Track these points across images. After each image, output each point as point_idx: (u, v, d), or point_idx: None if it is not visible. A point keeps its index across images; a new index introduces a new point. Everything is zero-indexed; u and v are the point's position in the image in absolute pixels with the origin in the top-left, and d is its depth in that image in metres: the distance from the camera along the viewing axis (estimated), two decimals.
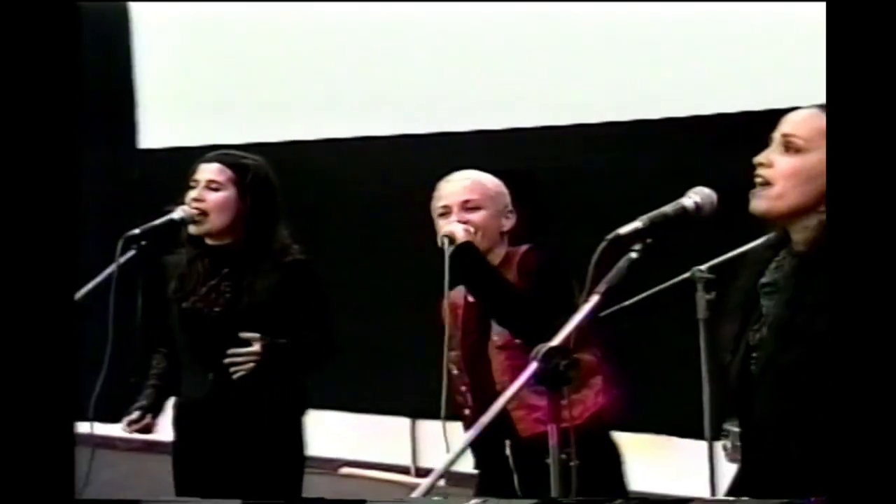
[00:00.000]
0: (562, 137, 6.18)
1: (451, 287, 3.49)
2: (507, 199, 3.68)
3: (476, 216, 3.56)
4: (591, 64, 6.26)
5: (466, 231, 3.47)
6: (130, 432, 3.99)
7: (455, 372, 3.64)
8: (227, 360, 3.83)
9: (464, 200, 3.58)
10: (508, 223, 3.64)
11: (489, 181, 3.68)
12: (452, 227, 3.47)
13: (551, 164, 6.04)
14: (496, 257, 3.60)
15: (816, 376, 2.50)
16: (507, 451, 3.42)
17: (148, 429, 4.01)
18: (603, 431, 3.50)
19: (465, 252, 3.43)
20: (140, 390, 4.06)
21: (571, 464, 3.14)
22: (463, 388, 3.63)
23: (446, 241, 3.47)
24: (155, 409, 4.03)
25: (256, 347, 3.81)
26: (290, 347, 3.89)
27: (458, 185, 3.63)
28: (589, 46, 6.28)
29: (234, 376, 3.82)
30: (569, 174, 5.94)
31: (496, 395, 3.21)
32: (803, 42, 5.69)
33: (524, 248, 3.62)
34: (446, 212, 3.59)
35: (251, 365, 3.81)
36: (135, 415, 3.97)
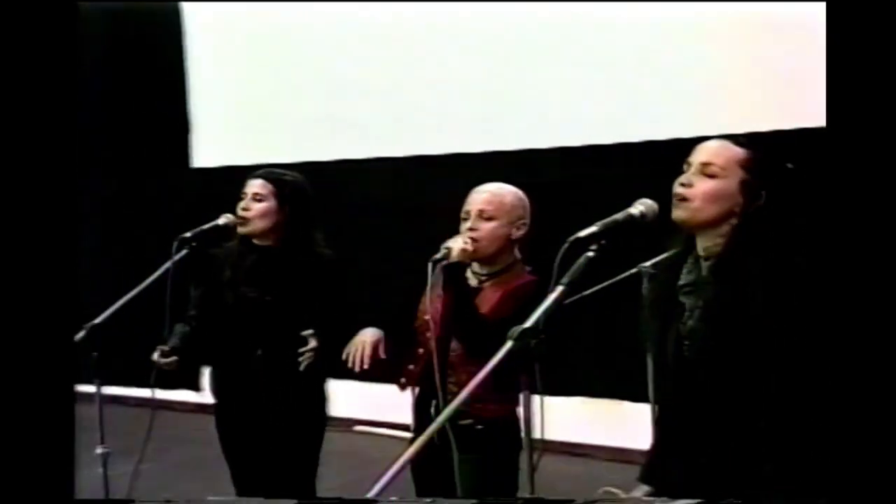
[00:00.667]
0: (549, 156, 6.38)
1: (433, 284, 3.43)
2: (523, 211, 3.61)
3: (487, 225, 3.53)
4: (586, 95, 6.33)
5: (462, 251, 3.45)
6: (159, 362, 3.92)
7: (426, 317, 3.56)
8: (300, 360, 3.90)
9: (480, 209, 3.55)
10: (518, 233, 3.58)
11: (509, 194, 3.62)
12: (453, 244, 3.45)
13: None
14: (502, 262, 3.58)
15: (745, 355, 2.61)
16: (433, 411, 3.47)
17: (172, 366, 3.96)
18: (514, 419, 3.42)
19: (453, 269, 3.44)
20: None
21: (478, 427, 3.38)
22: (427, 335, 3.56)
23: (445, 251, 3.44)
24: (181, 355, 3.99)
25: (314, 344, 3.89)
26: (329, 338, 3.93)
27: (480, 196, 3.60)
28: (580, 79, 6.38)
29: (301, 368, 3.89)
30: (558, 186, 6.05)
31: (445, 371, 3.47)
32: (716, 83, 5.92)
33: (531, 277, 3.54)
34: (466, 217, 3.57)
35: (313, 357, 3.90)
36: (169, 348, 3.95)
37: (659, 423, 2.97)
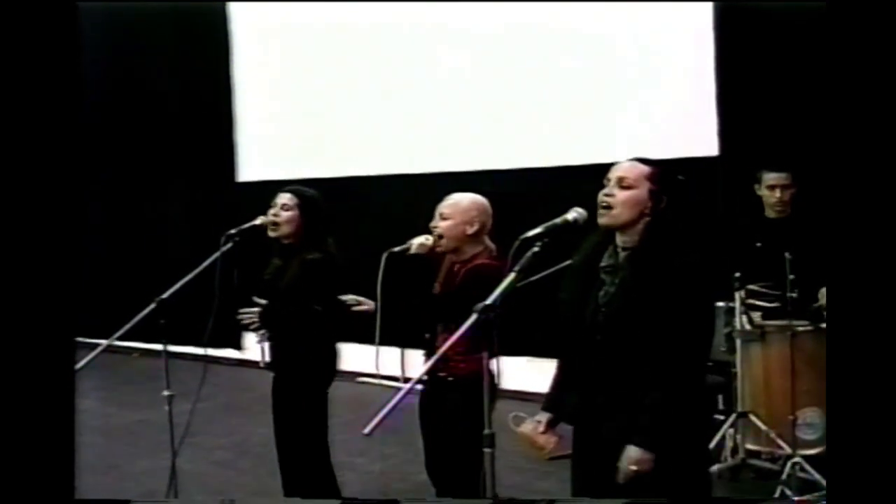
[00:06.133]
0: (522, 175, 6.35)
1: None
2: (476, 213, 3.54)
3: (444, 223, 3.52)
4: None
5: (420, 245, 3.49)
6: (244, 319, 3.97)
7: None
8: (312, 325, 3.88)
9: (441, 212, 3.54)
10: (472, 229, 3.51)
11: (465, 200, 3.56)
12: (415, 240, 3.49)
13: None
14: (466, 252, 3.54)
15: (646, 318, 2.63)
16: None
17: (247, 326, 4.02)
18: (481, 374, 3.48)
19: (415, 258, 3.47)
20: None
21: (450, 379, 3.34)
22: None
23: (407, 245, 3.50)
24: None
25: (257, 310, 3.87)
26: (331, 312, 3.90)
27: (444, 202, 3.57)
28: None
29: (314, 330, 3.90)
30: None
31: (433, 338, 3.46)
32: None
33: (480, 261, 3.50)
34: (434, 216, 3.55)
35: (319, 323, 3.89)
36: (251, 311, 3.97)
37: (561, 368, 2.95)
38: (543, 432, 2.87)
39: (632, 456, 2.62)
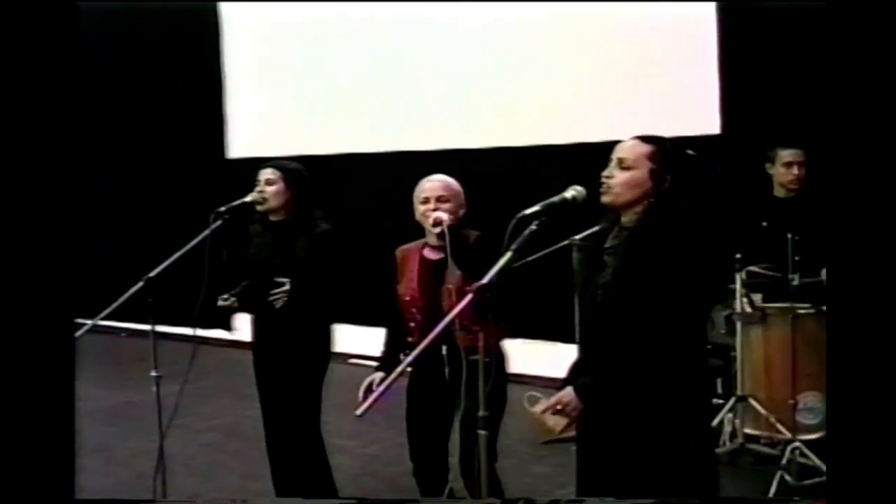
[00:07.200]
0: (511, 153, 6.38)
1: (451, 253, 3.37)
2: (463, 196, 3.57)
3: (446, 206, 3.48)
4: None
5: (450, 217, 3.43)
6: (221, 304, 3.98)
7: (407, 299, 3.56)
8: (269, 298, 3.86)
9: (439, 195, 3.50)
10: (462, 212, 3.53)
11: (453, 183, 3.57)
12: (441, 215, 3.42)
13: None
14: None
15: (638, 302, 2.62)
16: (444, 353, 3.40)
17: (232, 308, 4.03)
18: (500, 346, 3.48)
19: (453, 231, 3.38)
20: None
21: (486, 360, 3.27)
22: (413, 310, 3.54)
23: (437, 222, 3.41)
24: (239, 299, 4.03)
25: (287, 287, 3.84)
26: (310, 287, 3.88)
27: (436, 184, 3.53)
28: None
29: (276, 306, 3.85)
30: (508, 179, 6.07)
31: (442, 317, 3.39)
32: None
33: (476, 232, 3.49)
34: (427, 200, 3.50)
35: (285, 298, 3.84)
36: (226, 295, 3.98)
37: (580, 347, 2.98)
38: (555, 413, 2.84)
39: (562, 395, 2.66)
